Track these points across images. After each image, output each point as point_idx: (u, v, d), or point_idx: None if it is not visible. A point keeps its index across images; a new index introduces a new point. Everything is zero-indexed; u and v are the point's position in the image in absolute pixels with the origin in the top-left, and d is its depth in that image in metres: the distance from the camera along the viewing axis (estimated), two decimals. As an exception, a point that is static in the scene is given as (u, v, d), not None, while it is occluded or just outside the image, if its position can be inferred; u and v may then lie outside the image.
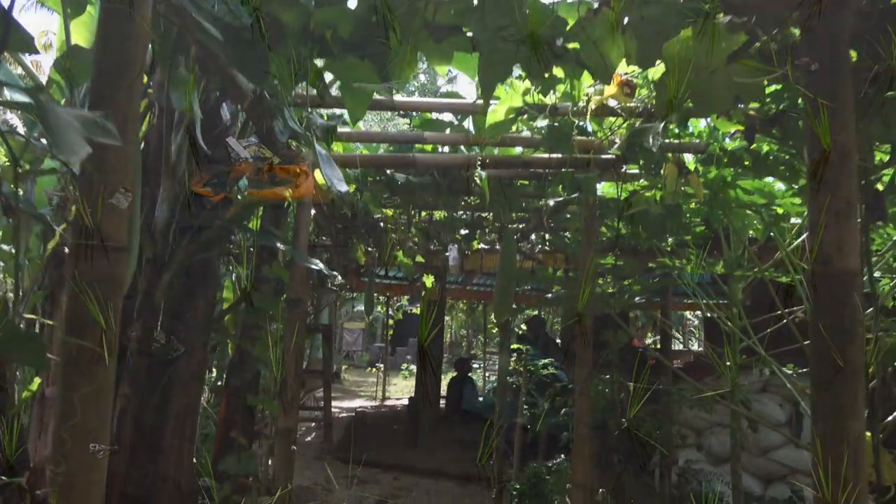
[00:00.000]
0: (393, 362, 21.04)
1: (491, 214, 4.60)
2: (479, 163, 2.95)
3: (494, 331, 23.74)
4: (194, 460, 3.05)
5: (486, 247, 6.43)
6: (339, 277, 11.46)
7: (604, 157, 2.92)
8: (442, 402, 9.78)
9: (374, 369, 15.62)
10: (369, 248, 5.27)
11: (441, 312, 8.54)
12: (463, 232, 4.33)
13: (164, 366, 2.91)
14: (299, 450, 8.30)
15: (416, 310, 17.94)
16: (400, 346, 24.37)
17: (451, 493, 6.45)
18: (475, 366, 16.97)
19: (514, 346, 5.41)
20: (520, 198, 3.89)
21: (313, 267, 2.80)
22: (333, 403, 13.37)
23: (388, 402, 13.40)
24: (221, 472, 2.95)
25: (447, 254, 5.29)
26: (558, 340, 8.94)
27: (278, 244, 2.83)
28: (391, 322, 16.12)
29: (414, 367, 18.54)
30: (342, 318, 19.41)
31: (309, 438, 9.05)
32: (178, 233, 2.76)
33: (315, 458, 7.75)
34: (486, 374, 16.71)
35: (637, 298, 3.66)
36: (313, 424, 9.79)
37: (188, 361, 2.96)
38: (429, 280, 5.90)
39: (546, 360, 5.26)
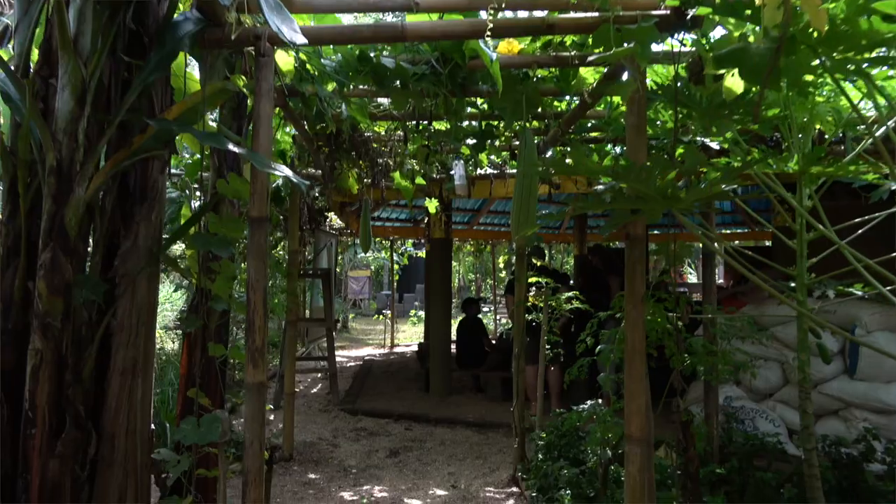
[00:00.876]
0: (401, 309, 20.61)
1: (502, 124, 3.87)
2: (488, 28, 2.22)
3: (503, 274, 23.14)
4: (152, 427, 2.45)
5: (495, 170, 5.71)
6: (335, 217, 10.81)
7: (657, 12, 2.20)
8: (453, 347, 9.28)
9: (380, 317, 15.13)
10: (362, 175, 4.59)
11: (447, 250, 7.88)
12: (470, 142, 3.61)
13: (97, 310, 2.29)
14: (304, 402, 7.83)
15: (422, 253, 17.34)
16: (407, 292, 23.91)
17: (468, 441, 5.95)
18: (485, 309, 16.49)
19: (533, 278, 4.77)
20: (539, 97, 3.16)
21: (277, 173, 2.12)
22: (341, 353, 12.95)
23: (396, 350, 12.94)
24: (179, 440, 2.36)
25: (452, 172, 4.60)
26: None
27: (231, 146, 2.14)
28: (397, 267, 15.53)
29: (422, 314, 18.10)
30: (345, 265, 18.85)
31: (315, 390, 8.57)
32: (94, 132, 2.08)
33: (321, 410, 7.27)
34: (497, 317, 16.22)
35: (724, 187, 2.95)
36: (319, 375, 9.31)
37: (130, 302, 2.33)
38: (432, 205, 5.23)
39: (570, 293, 4.63)
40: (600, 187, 2.06)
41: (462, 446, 5.79)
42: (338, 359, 11.98)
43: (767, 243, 15.74)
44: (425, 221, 11.17)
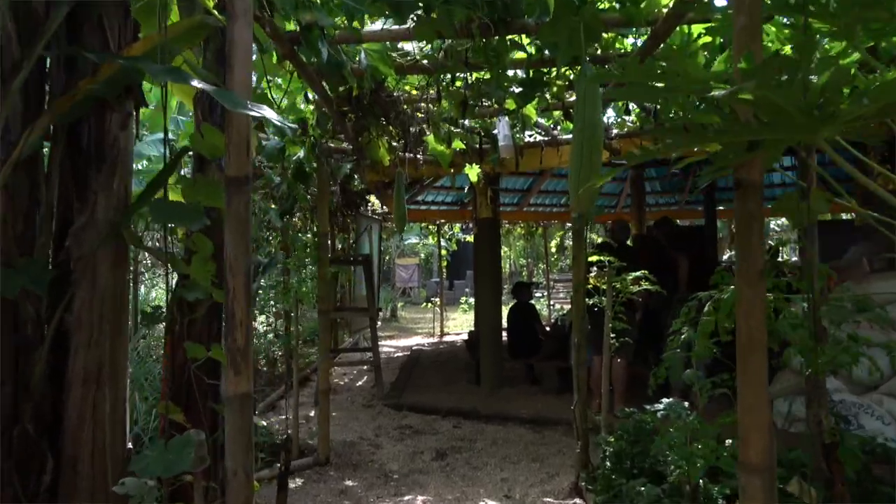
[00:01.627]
0: (451, 297, 20.12)
1: (555, 71, 3.23)
2: None
3: (555, 258, 22.36)
4: (129, 446, 1.97)
5: (545, 136, 5.05)
6: (377, 201, 10.33)
7: None
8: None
9: (429, 305, 14.64)
10: (393, 144, 4.03)
11: (495, 230, 7.27)
12: (515, 90, 2.98)
13: (47, 303, 1.82)
14: (347, 397, 7.39)
15: (471, 238, 16.76)
16: (457, 279, 23.40)
17: (523, 441, 5.36)
18: (537, 294, 15.79)
19: (593, 257, 4.13)
20: (600, 25, 2.52)
21: (254, 113, 1.57)
22: (389, 343, 12.55)
23: (446, 339, 12.44)
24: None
25: (494, 132, 3.99)
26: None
27: (196, 82, 1.61)
28: (445, 253, 15.00)
29: (473, 301, 17.54)
30: (392, 252, 18.45)
31: (360, 383, 8.13)
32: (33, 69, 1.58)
33: (365, 405, 6.81)
34: (551, 302, 15.52)
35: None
36: (365, 368, 8.88)
37: (89, 291, 1.85)
38: (473, 172, 4.62)
39: (637, 273, 3.97)
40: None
41: (516, 446, 5.21)
42: (385, 349, 11.58)
43: (845, 216, 14.49)
44: (471, 201, 10.58)
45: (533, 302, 7.97)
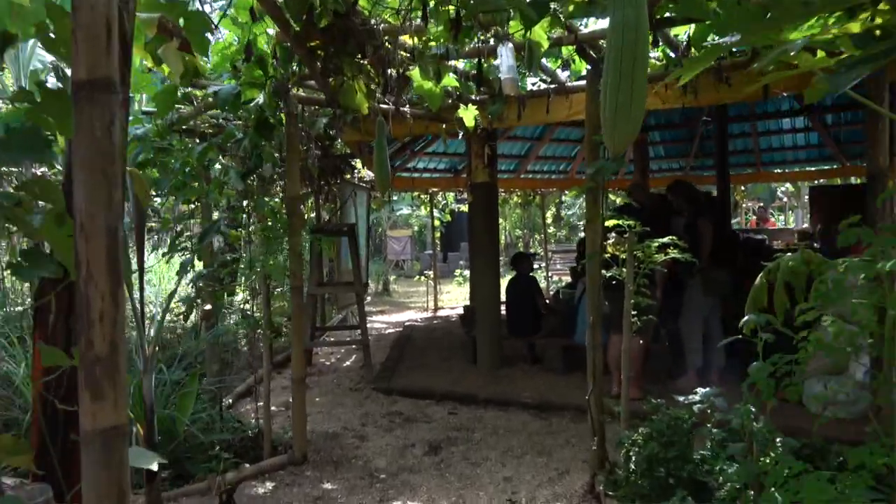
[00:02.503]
0: (445, 269, 19.51)
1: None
2: None
3: (551, 230, 21.68)
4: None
5: (552, 83, 4.36)
6: (364, 167, 9.62)
7: None
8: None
9: (422, 278, 14.04)
10: (372, 87, 3.36)
11: (492, 196, 6.61)
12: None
13: None
14: (333, 379, 6.80)
15: (465, 207, 16.07)
16: (452, 251, 22.77)
17: (526, 430, 4.79)
18: (534, 266, 15.16)
19: (611, 221, 3.49)
20: None
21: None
22: (380, 319, 11.94)
23: (440, 314, 11.85)
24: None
25: (496, 62, 3.30)
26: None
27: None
28: (438, 223, 14.35)
29: (468, 273, 16.94)
30: (384, 223, 17.78)
31: (348, 363, 7.54)
32: None
33: (352, 388, 6.22)
34: (549, 274, 14.93)
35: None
36: (354, 347, 8.28)
37: None
38: (468, 115, 3.92)
39: (665, 240, 3.33)
40: None
41: (519, 436, 4.63)
42: (377, 325, 10.98)
43: (856, 180, 13.89)
44: (465, 168, 9.89)
45: (533, 274, 7.34)
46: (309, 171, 7.56)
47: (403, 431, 4.83)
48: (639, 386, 5.23)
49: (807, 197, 19.24)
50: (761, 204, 20.81)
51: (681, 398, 3.05)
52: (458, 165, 11.63)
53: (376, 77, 3.28)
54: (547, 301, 7.44)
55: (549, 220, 19.65)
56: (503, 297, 6.96)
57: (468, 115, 3.89)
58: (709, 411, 2.95)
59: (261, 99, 3.29)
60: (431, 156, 11.09)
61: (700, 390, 3.06)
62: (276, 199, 5.00)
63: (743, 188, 16.63)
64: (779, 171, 13.13)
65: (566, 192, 14.05)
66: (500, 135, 9.03)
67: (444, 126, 4.72)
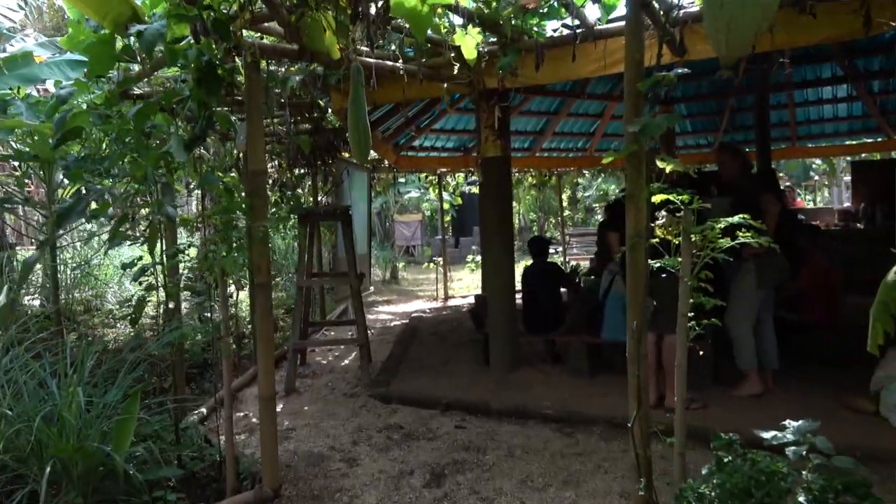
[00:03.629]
0: (457, 255, 18.71)
1: None
2: None
3: (567, 212, 20.72)
4: None
5: (579, 27, 3.49)
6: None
7: None
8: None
9: (432, 265, 13.24)
10: (342, 20, 2.53)
11: (505, 171, 5.76)
12: None
13: None
14: (327, 382, 6.02)
15: (477, 189, 15.21)
16: (464, 235, 21.93)
17: (548, 449, 4.00)
18: (551, 251, 14.28)
19: (659, 196, 2.64)
20: None
21: None
22: (386, 309, 11.15)
23: (450, 303, 11.05)
24: None
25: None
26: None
27: None
28: (448, 206, 13.52)
29: (480, 259, 16.11)
30: (390, 207, 16.98)
31: (346, 361, 6.78)
32: None
33: (347, 394, 5.46)
34: (566, 259, 14.06)
35: None
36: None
37: None
38: (467, 45, 3.05)
39: (738, 218, 2.49)
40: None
41: (540, 459, 3.83)
42: (382, 316, 10.21)
43: (898, 155, 12.87)
44: (476, 145, 9.03)
45: (554, 260, 6.51)
46: (300, 149, 6.77)
47: (401, 452, 4.05)
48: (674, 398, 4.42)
49: (844, 175, 18.12)
50: (789, 183, 19.74)
51: (765, 434, 2.23)
52: (467, 143, 10.77)
53: (346, 6, 2.45)
54: (577, 285, 6.59)
55: (564, 203, 18.72)
56: (518, 287, 6.14)
57: (467, 44, 3.04)
58: (805, 454, 2.14)
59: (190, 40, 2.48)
60: (439, 133, 10.23)
61: (791, 423, 2.25)
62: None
63: (774, 165, 15.61)
64: (815, 144, 12.13)
65: (584, 171, 13.12)
66: (513, 104, 8.16)
67: (444, 85, 3.87)
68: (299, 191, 8.77)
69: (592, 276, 8.11)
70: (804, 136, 11.80)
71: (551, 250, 14.56)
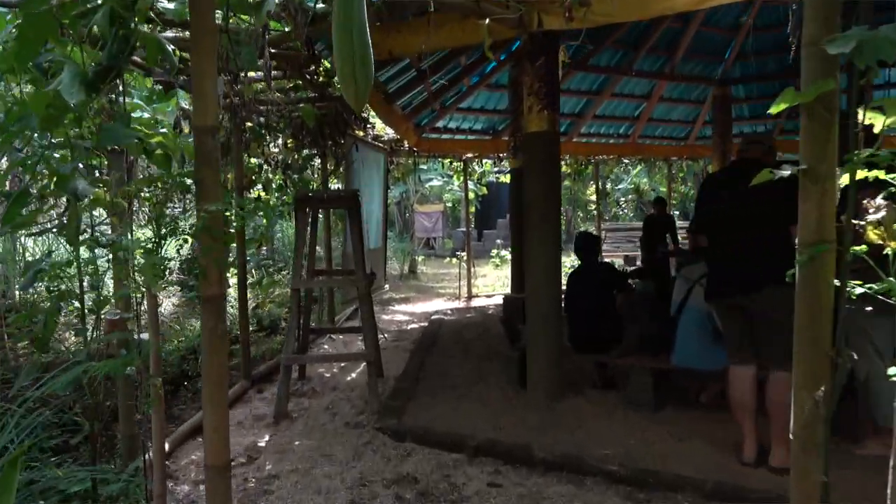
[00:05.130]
0: (480, 249, 17.59)
1: None
2: None
3: (591, 207, 19.44)
4: None
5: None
6: (381, 122, 7.69)
7: None
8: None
9: (454, 260, 12.14)
10: None
11: (553, 149, 4.61)
12: None
13: None
14: (328, 405, 4.85)
15: (505, 178, 14.05)
16: (487, 228, 20.80)
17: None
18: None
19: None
20: None
21: None
22: (403, 309, 10.05)
23: (474, 303, 9.95)
24: None
25: None
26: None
27: None
28: (473, 196, 12.38)
29: (506, 253, 14.96)
30: (411, 197, 15.89)
31: (353, 375, 5.72)
32: None
33: (350, 424, 4.39)
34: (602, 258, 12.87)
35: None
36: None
37: None
38: None
39: None
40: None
41: (610, 547, 2.72)
42: (398, 317, 9.14)
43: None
44: (509, 127, 7.91)
45: (608, 262, 5.37)
46: (304, 123, 5.69)
47: (416, 523, 2.96)
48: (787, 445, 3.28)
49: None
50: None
51: None
52: (497, 125, 9.63)
53: None
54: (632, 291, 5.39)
55: (590, 195, 17.46)
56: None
57: None
58: None
59: None
60: (466, 113, 9.10)
61: None
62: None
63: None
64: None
65: (624, 160, 11.89)
66: (567, 65, 6.98)
67: (486, 22, 2.74)
68: (307, 174, 7.72)
69: (637, 277, 6.95)
70: None
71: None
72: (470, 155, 10.14)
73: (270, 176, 6.84)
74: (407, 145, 9.02)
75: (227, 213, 2.39)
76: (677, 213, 17.80)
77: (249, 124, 5.78)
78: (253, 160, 6.79)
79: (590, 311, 4.67)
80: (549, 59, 4.35)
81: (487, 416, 4.27)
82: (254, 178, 6.35)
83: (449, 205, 20.54)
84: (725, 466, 3.37)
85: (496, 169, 14.33)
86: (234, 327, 6.28)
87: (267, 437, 4.17)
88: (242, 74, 3.63)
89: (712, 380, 4.26)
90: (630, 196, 23.58)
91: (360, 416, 4.51)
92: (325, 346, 6.83)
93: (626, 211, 24.32)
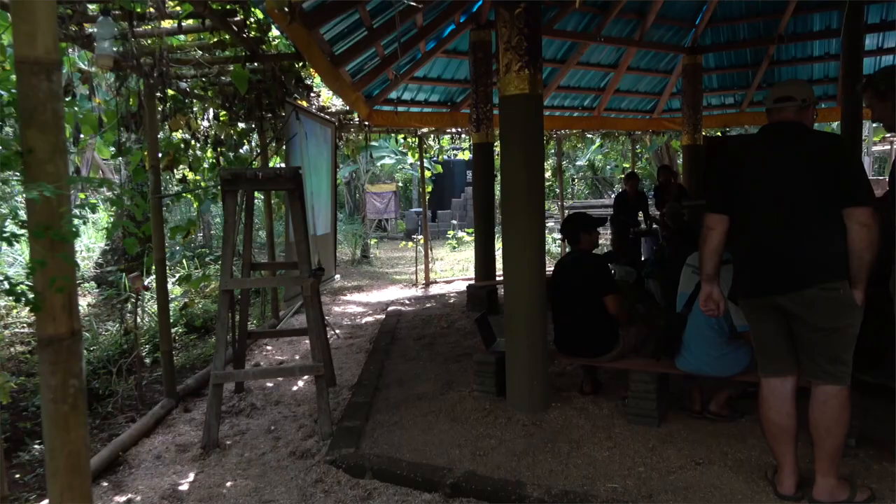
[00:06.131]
0: (434, 231, 16.86)
1: None
2: None
3: (550, 183, 18.90)
4: None
5: None
6: (329, 91, 6.81)
7: None
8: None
9: (408, 243, 11.36)
10: None
11: (535, 111, 3.86)
12: None
13: None
14: (272, 425, 3.59)
15: (464, 154, 13.29)
16: (441, 208, 20.04)
17: None
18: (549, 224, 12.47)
19: None
20: None
21: None
22: (356, 299, 9.15)
23: (433, 290, 9.21)
24: None
25: None
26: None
27: None
28: (429, 174, 11.60)
29: (464, 234, 14.25)
30: (361, 176, 15.00)
31: (300, 384, 4.91)
32: None
33: (296, 453, 3.60)
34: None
35: None
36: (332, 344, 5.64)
37: None
38: None
39: None
40: None
41: None
42: (351, 308, 8.31)
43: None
44: (470, 98, 7.14)
45: (604, 255, 4.67)
46: (235, 90, 4.80)
47: None
48: (839, 475, 2.71)
49: None
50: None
51: None
52: (456, 97, 8.85)
53: None
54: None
55: (549, 173, 16.91)
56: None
57: None
58: None
59: None
60: (421, 82, 8.28)
61: None
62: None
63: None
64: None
65: (589, 134, 11.27)
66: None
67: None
68: (245, 151, 6.78)
69: (618, 264, 6.36)
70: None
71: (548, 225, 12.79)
72: (426, 130, 9.32)
73: (199, 153, 5.89)
74: (357, 119, 8.14)
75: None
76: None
77: (171, 92, 4.84)
78: (178, 134, 5.82)
79: (577, 311, 3.97)
80: (532, 7, 3.59)
81: (463, 438, 3.56)
82: (177, 156, 5.40)
83: (401, 185, 19.67)
84: (760, 501, 2.75)
85: (453, 146, 13.56)
86: (151, 332, 5.38)
87: (191, 477, 3.35)
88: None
89: (723, 386, 3.65)
90: (586, 173, 23.18)
91: (308, 441, 3.73)
92: (269, 349, 5.98)
93: (581, 189, 23.91)
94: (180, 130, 5.54)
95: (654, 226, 8.21)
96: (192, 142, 5.73)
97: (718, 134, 10.49)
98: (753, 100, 10.02)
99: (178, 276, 6.06)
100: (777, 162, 2.71)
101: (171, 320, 5.24)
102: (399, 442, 3.56)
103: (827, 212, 2.61)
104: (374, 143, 12.17)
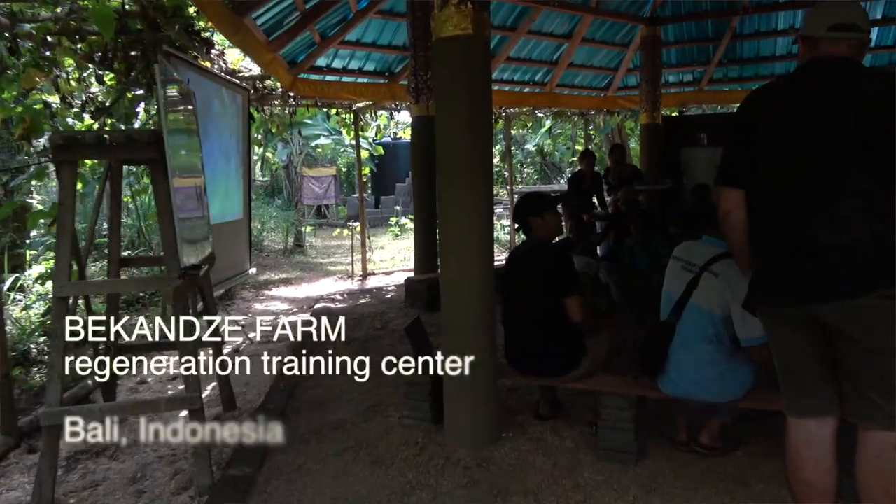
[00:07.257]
0: (376, 218, 15.89)
1: None
2: None
3: (497, 167, 18.17)
4: None
5: None
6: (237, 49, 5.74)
7: None
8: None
9: (344, 230, 10.41)
10: None
11: (482, 59, 2.98)
12: None
13: None
14: (138, 474, 2.89)
15: (405, 133, 12.32)
16: (384, 193, 19.01)
17: None
18: (498, 209, 11.66)
19: None
20: None
21: None
22: (282, 294, 8.17)
23: (370, 283, 8.29)
24: None
25: None
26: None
27: None
28: (366, 155, 10.61)
29: (408, 221, 13.32)
30: (296, 159, 13.87)
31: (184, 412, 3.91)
32: None
33: (176, 493, 2.65)
34: (514, 225, 11.53)
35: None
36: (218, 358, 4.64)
37: None
38: None
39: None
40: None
41: None
42: (275, 305, 7.32)
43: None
44: (409, 66, 6.22)
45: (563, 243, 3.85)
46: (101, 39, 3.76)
47: None
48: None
49: None
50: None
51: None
52: (394, 66, 7.88)
53: None
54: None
55: (498, 154, 16.20)
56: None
57: None
58: None
59: None
60: (354, 47, 7.29)
61: None
62: None
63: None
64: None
65: (540, 113, 10.50)
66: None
67: None
68: (137, 121, 5.67)
69: (579, 254, 5.59)
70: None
71: (497, 209, 11.99)
72: (361, 104, 8.33)
73: (71, 122, 4.79)
74: (280, 88, 7.10)
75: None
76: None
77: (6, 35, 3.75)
78: (39, 95, 4.70)
79: (533, 316, 3.13)
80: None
81: (386, 490, 2.69)
82: (38, 124, 4.29)
83: (344, 169, 18.55)
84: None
85: (400, 125, 12.60)
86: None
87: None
88: None
89: (715, 412, 2.88)
90: (535, 158, 22.55)
91: (181, 497, 2.79)
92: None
93: (529, 174, 23.29)
94: (41, 90, 4.43)
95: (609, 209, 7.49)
96: (60, 106, 4.62)
97: (675, 114, 9.87)
98: (713, 77, 9.43)
99: (40, 271, 4.99)
100: (821, 112, 1.92)
101: (30, 329, 4.17)
102: (299, 498, 2.66)
103: (886, 186, 1.84)
104: (307, 121, 11.08)
